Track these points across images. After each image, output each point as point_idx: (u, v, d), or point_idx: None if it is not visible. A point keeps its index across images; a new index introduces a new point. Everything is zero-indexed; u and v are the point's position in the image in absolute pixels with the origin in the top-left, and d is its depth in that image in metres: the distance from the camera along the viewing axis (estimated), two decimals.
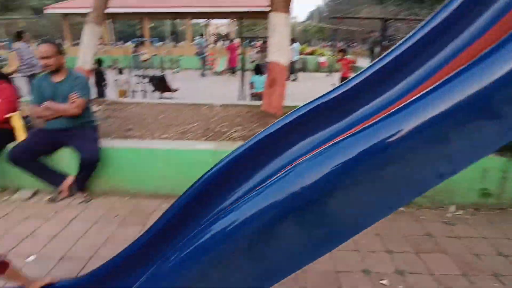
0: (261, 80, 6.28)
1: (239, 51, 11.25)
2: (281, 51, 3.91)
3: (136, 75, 8.67)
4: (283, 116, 1.28)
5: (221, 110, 4.34)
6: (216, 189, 1.34)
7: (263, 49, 11.04)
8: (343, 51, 8.01)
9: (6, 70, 5.33)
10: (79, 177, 2.81)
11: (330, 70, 14.12)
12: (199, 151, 2.84)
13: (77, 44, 10.52)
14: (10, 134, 2.89)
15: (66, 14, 18.46)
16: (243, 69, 8.01)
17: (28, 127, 2.98)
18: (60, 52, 2.70)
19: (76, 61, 4.74)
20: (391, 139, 0.70)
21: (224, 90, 9.51)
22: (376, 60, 1.22)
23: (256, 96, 6.58)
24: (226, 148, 2.72)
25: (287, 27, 3.89)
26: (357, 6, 32.36)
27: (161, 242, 1.44)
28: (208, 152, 2.82)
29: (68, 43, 18.07)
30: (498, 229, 2.48)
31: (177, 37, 24.59)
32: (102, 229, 2.47)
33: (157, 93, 8.48)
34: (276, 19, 3.80)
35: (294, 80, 11.54)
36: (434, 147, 0.72)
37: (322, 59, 15.61)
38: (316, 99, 1.26)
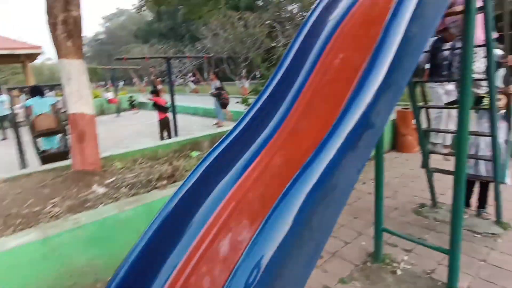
0: (42, 103, 5.01)
1: None
2: (83, 99, 3.50)
3: None
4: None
5: (7, 186, 2.99)
6: None
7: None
8: (156, 92, 7.17)
9: None
10: None
11: (118, 110, 13.38)
12: (15, 250, 1.95)
13: None
14: None
15: None
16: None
17: None
18: None
19: None
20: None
21: None
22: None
23: (48, 157, 4.84)
24: (59, 230, 2.12)
25: (84, 74, 3.53)
26: (126, 45, 36.31)
27: None
28: (33, 245, 1.98)
29: None
30: None
31: None
32: None
33: None
34: (70, 67, 3.43)
35: None
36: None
37: (109, 95, 14.45)
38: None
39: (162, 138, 6.85)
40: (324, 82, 1.61)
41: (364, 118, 1.02)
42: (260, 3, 27.62)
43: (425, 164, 3.13)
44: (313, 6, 1.81)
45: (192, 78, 25.72)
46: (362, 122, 1.01)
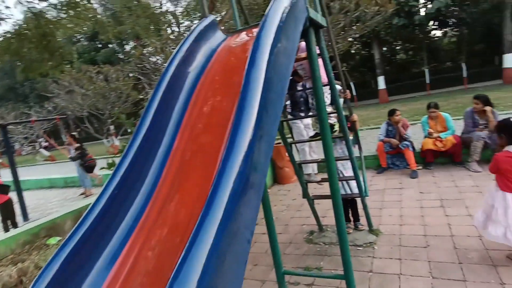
0: None
1: None
2: None
3: None
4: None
5: None
6: None
7: None
8: None
9: None
10: None
11: None
12: None
13: None
14: None
15: None
16: None
17: None
18: None
19: None
20: None
21: None
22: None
23: None
24: None
25: None
26: None
27: None
28: None
29: None
30: None
31: None
32: None
33: None
34: None
35: None
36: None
37: None
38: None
39: (6, 229, 5.23)
40: (194, 135, 1.46)
41: (242, 179, 0.89)
42: (120, 55, 26.67)
43: (305, 194, 3.33)
44: (170, 58, 1.69)
45: (46, 144, 21.84)
46: (240, 183, 0.88)
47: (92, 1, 5.62)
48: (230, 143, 0.97)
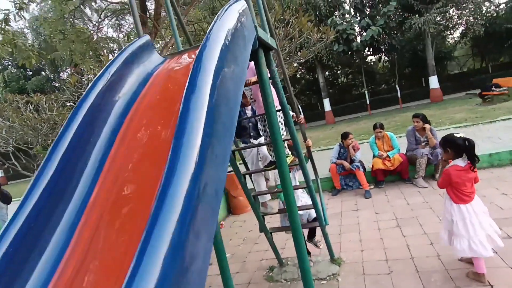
0: None
1: None
2: None
3: None
4: None
5: None
6: None
7: None
8: None
9: None
10: None
11: None
12: None
13: None
14: None
15: None
16: None
17: None
18: None
19: None
20: None
21: None
22: None
23: None
24: None
25: None
26: None
27: None
28: None
29: None
30: None
31: None
32: None
33: None
34: None
35: None
36: None
37: None
38: None
39: None
40: (120, 183, 1.13)
41: (176, 255, 0.61)
42: (56, 83, 24.71)
43: (262, 228, 3.06)
44: (91, 83, 1.37)
45: None
46: (172, 264, 0.60)
47: (12, 24, 4.96)
48: (160, 201, 0.68)
